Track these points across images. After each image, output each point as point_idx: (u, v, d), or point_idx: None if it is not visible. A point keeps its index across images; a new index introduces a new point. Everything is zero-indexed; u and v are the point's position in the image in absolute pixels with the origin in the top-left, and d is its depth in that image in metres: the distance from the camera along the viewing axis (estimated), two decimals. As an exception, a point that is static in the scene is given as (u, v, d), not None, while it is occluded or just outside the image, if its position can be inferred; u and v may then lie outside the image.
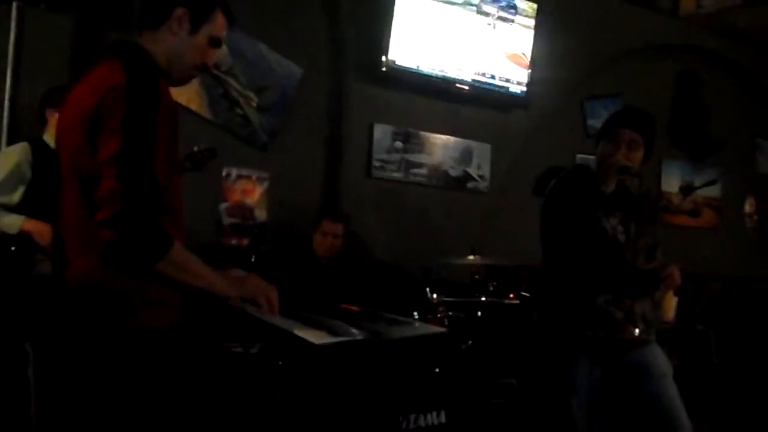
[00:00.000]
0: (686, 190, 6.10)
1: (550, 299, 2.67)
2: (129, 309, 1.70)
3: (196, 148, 3.05)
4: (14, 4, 3.58)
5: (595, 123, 5.56)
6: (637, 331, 2.54)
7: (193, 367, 1.93)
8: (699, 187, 5.96)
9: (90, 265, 1.70)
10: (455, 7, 4.83)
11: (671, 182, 6.33)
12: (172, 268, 1.66)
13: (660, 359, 2.60)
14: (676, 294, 2.67)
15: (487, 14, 4.97)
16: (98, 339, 1.71)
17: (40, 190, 3.05)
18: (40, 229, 2.96)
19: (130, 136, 1.62)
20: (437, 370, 3.13)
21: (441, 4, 4.76)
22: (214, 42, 1.93)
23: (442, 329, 1.95)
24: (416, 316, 3.61)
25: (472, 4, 4.89)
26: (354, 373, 2.11)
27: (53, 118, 3.19)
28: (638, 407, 2.55)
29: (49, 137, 3.16)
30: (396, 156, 4.88)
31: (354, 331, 1.75)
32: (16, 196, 3.05)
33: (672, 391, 2.54)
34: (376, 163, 4.81)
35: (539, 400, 2.74)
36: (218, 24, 1.93)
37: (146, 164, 1.62)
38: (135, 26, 1.90)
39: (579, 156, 5.65)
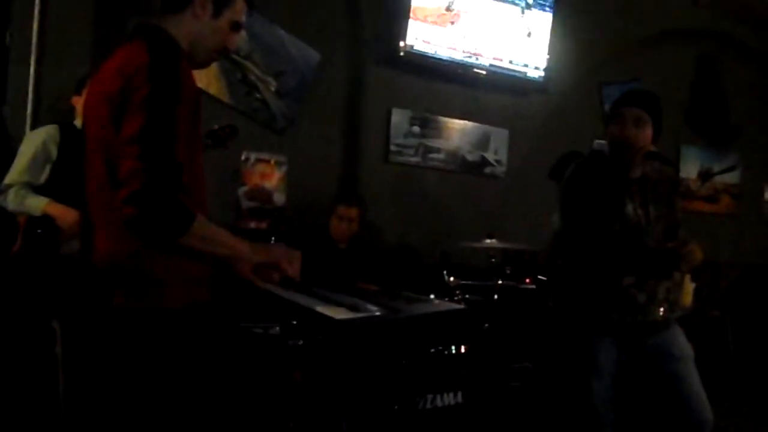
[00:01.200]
0: (705, 176, 6.07)
1: (571, 283, 2.66)
2: (155, 286, 1.74)
3: (216, 126, 3.09)
4: (37, -10, 3.64)
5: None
6: (661, 310, 2.55)
7: (216, 346, 1.97)
8: (718, 173, 5.94)
9: (116, 243, 1.74)
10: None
11: (690, 168, 6.30)
12: (197, 240, 1.69)
13: (681, 342, 2.61)
14: (693, 280, 2.68)
15: (505, -1, 4.96)
16: (124, 316, 1.75)
17: (65, 171, 3.10)
18: (62, 213, 3.01)
19: (152, 115, 1.65)
20: (453, 350, 3.17)
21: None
22: (236, 26, 1.97)
23: (461, 306, 1.97)
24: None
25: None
26: (372, 351, 2.15)
27: (78, 105, 3.25)
28: (658, 389, 2.56)
29: (78, 123, 3.21)
30: (413, 141, 4.90)
31: (374, 307, 1.78)
32: (43, 176, 3.12)
33: (693, 374, 2.55)
34: (394, 148, 4.83)
35: (559, 383, 2.74)
36: (239, 8, 1.97)
37: (167, 143, 1.66)
38: (158, 10, 1.94)
39: (597, 141, 5.63)
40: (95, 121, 1.79)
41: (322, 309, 1.70)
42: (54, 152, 3.14)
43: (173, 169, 1.65)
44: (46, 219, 3.03)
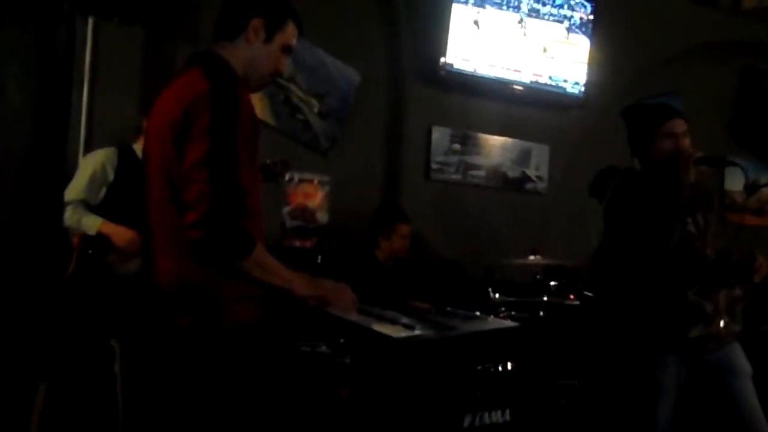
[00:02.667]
0: (751, 188, 5.95)
1: (629, 301, 2.61)
2: (215, 306, 1.79)
3: (268, 161, 3.14)
4: (90, 19, 3.77)
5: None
6: (722, 323, 2.51)
7: (269, 364, 2.00)
8: (764, 185, 5.82)
9: (178, 264, 1.79)
10: (511, 9, 4.85)
11: (735, 181, 6.20)
12: (255, 267, 1.74)
13: (743, 357, 2.57)
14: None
15: (543, 15, 4.97)
16: (185, 335, 1.79)
17: (121, 193, 3.20)
18: (118, 232, 3.11)
19: (216, 141, 1.71)
20: (500, 367, 3.17)
21: (496, 6, 4.79)
22: (287, 49, 2.02)
23: (516, 324, 1.98)
24: (479, 316, 3.64)
25: (527, 7, 4.90)
26: (426, 368, 2.17)
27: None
28: (719, 405, 2.52)
29: (138, 146, 3.31)
30: (454, 158, 4.93)
31: (430, 325, 1.80)
32: (99, 196, 3.23)
33: (752, 391, 2.51)
34: (435, 166, 4.86)
35: (616, 403, 2.68)
36: (290, 32, 2.03)
37: (232, 168, 1.71)
38: (213, 37, 2.00)
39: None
40: (157, 146, 1.85)
41: (378, 327, 1.73)
42: (111, 174, 3.24)
43: (238, 195, 1.70)
44: (99, 239, 3.12)
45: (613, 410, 2.73)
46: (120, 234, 3.10)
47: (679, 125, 2.58)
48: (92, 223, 3.13)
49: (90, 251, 3.12)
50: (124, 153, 3.32)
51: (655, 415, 2.48)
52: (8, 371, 1.58)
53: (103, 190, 3.24)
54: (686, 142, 2.56)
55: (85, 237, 3.14)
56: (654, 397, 2.49)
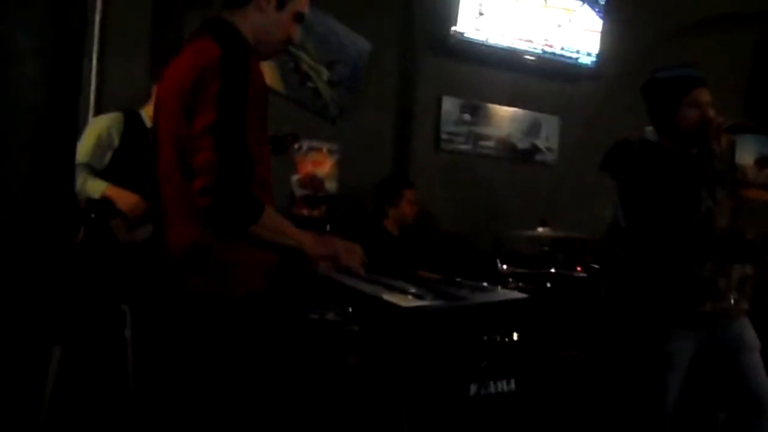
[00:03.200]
0: (763, 163, 5.90)
1: (643, 275, 2.60)
2: (225, 272, 1.81)
3: (278, 133, 3.12)
4: (100, -16, 3.75)
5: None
6: (732, 299, 2.52)
7: (278, 331, 2.03)
8: (776, 161, 5.77)
9: (189, 230, 1.81)
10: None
11: (746, 155, 6.14)
12: (265, 230, 1.76)
13: (752, 332, 2.58)
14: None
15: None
16: (196, 300, 1.82)
17: (126, 158, 3.20)
18: (122, 196, 3.09)
19: (224, 109, 1.71)
20: (507, 338, 3.19)
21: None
22: (299, 17, 2.01)
23: (525, 295, 1.99)
24: (486, 287, 3.66)
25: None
26: (434, 338, 2.18)
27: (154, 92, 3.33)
28: (728, 378, 2.54)
29: (145, 112, 3.30)
30: (464, 128, 4.90)
31: (439, 295, 1.82)
32: (104, 161, 3.21)
33: (761, 366, 2.53)
34: (445, 136, 4.85)
35: (626, 376, 2.69)
36: (302, 0, 2.00)
37: (239, 136, 1.72)
38: (222, 4, 1.99)
39: (648, 128, 5.54)
40: (167, 113, 1.85)
41: (388, 297, 1.74)
42: (117, 140, 3.23)
43: (246, 161, 1.71)
44: (103, 202, 3.11)
45: (623, 381, 2.74)
46: (124, 198, 3.08)
47: (705, 94, 2.55)
48: (97, 187, 3.11)
49: (93, 215, 3.10)
50: (131, 118, 3.30)
51: (665, 387, 2.51)
52: (24, 334, 1.61)
53: (109, 155, 3.22)
54: (711, 111, 2.53)
55: (89, 201, 3.13)
56: (665, 369, 2.51)
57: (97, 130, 3.23)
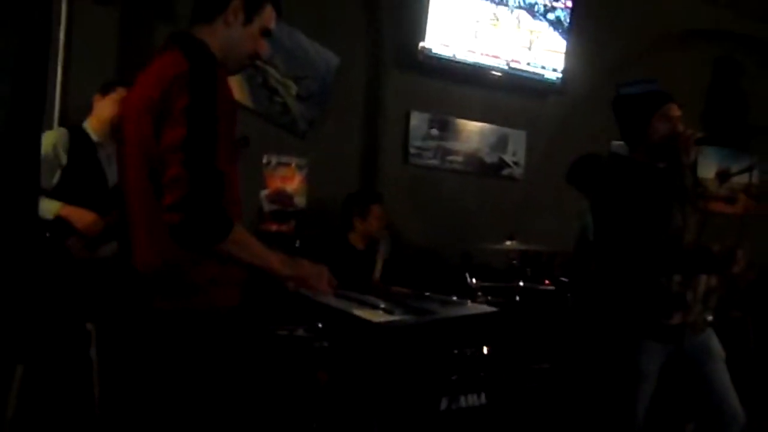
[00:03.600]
0: (722, 176, 6.04)
1: (613, 287, 2.63)
2: (194, 289, 1.78)
3: None
4: (64, -1, 3.71)
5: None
6: (698, 311, 2.56)
7: (248, 348, 2.01)
8: (735, 174, 5.91)
9: (156, 246, 1.78)
10: (491, -6, 4.85)
11: (707, 169, 6.28)
12: (234, 247, 1.74)
13: (716, 342, 2.63)
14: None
15: (522, 1, 4.97)
16: (162, 318, 1.79)
17: (75, 175, 3.10)
18: (78, 214, 2.99)
19: (193, 123, 1.69)
20: (476, 351, 3.19)
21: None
22: (266, 32, 2.01)
23: (494, 308, 2.00)
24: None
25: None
26: (404, 352, 2.18)
27: (98, 104, 3.26)
28: (694, 387, 2.58)
29: (89, 125, 3.23)
30: (432, 143, 4.94)
31: (410, 310, 1.82)
32: (53, 180, 3.08)
33: (726, 375, 2.58)
34: (413, 150, 4.87)
35: (598, 387, 2.71)
36: (268, 15, 2.01)
37: (209, 151, 1.70)
38: (190, 18, 1.98)
39: (614, 143, 5.63)
40: (136, 133, 1.83)
41: (359, 312, 1.74)
42: (64, 157, 3.11)
43: (216, 177, 1.69)
44: (58, 222, 3.00)
45: (592, 394, 2.76)
46: (81, 216, 2.98)
47: (675, 110, 2.61)
48: (50, 207, 2.99)
49: (48, 234, 3.01)
50: (75, 133, 3.20)
51: (635, 400, 2.53)
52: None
53: (57, 174, 3.09)
54: (681, 125, 2.58)
55: (42, 221, 3.01)
56: (635, 382, 2.53)
57: (43, 148, 3.01)
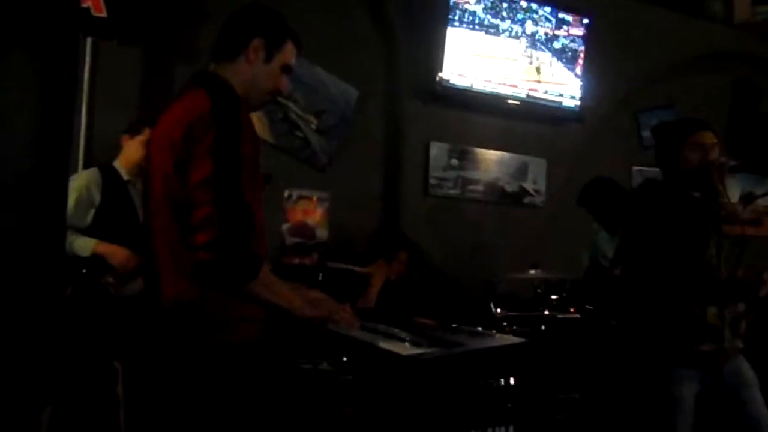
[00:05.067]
0: (747, 198, 5.95)
1: (646, 316, 2.60)
2: (219, 325, 1.79)
3: None
4: (89, 39, 3.78)
5: (650, 134, 5.52)
6: (727, 338, 2.52)
7: (273, 383, 2.00)
8: (760, 196, 5.83)
9: (183, 284, 1.79)
10: (506, 23, 4.88)
11: (730, 192, 6.21)
12: (261, 288, 1.75)
13: (749, 369, 2.59)
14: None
15: (538, 30, 5.00)
16: (190, 355, 1.79)
17: (109, 213, 3.17)
18: (113, 251, 3.07)
19: (220, 161, 1.72)
20: (503, 382, 3.15)
21: (492, 21, 4.81)
22: (286, 69, 2.05)
23: (522, 339, 1.99)
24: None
25: (522, 20, 4.93)
26: (432, 385, 2.16)
27: (127, 144, 3.34)
28: (731, 416, 2.53)
29: (119, 164, 3.29)
30: (452, 173, 4.94)
31: (436, 342, 1.81)
32: (87, 220, 3.16)
33: (762, 401, 2.54)
34: (433, 181, 4.88)
35: (632, 418, 2.65)
36: (289, 52, 2.05)
37: (237, 188, 1.72)
38: (212, 56, 2.01)
39: (635, 168, 5.62)
40: (158, 167, 1.85)
41: (385, 345, 1.73)
42: (97, 197, 3.19)
43: (246, 215, 1.71)
44: (93, 259, 3.08)
45: (626, 424, 2.70)
46: (116, 253, 3.06)
47: (708, 137, 2.58)
48: (85, 245, 3.07)
49: (84, 270, 3.07)
50: (107, 172, 3.28)
51: (674, 428, 2.48)
52: (14, 395, 1.58)
53: (91, 213, 3.17)
54: (715, 153, 2.55)
55: (78, 258, 3.08)
56: (671, 411, 2.49)
57: (77, 188, 3.16)
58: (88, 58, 3.81)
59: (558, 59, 5.10)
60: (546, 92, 5.08)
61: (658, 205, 2.58)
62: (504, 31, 4.87)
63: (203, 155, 1.71)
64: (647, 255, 2.56)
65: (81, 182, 3.21)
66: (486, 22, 4.79)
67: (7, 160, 1.66)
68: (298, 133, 4.51)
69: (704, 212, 2.51)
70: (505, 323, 3.72)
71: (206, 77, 1.95)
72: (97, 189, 3.21)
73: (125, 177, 3.28)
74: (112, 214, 3.18)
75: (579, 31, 5.14)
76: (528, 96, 5.01)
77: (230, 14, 2.02)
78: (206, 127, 1.74)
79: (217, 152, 1.71)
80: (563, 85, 5.13)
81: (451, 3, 4.63)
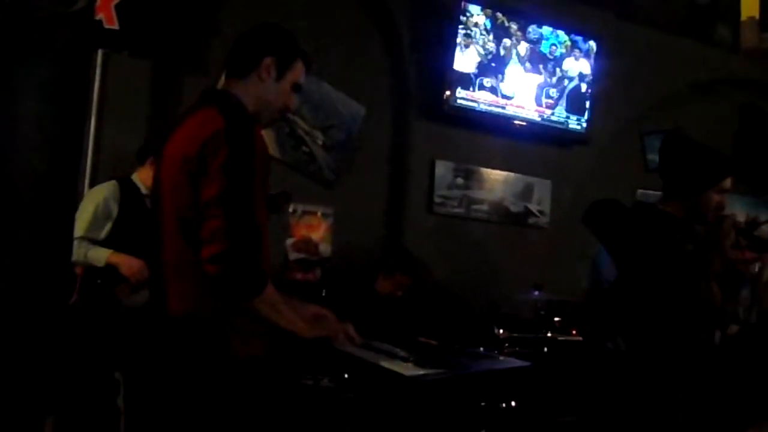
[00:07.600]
0: (751, 225, 5.94)
1: (652, 343, 2.58)
2: (223, 339, 1.79)
3: (271, 192, 3.13)
4: (99, 51, 3.81)
5: (656, 158, 5.52)
6: None
7: (276, 398, 2.00)
8: (764, 222, 5.83)
9: (189, 297, 1.80)
10: (514, 44, 4.90)
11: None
12: (265, 305, 1.76)
13: None
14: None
15: (545, 51, 5.03)
16: (193, 367, 1.80)
17: (126, 226, 3.19)
18: (126, 262, 3.09)
19: (232, 179, 1.74)
20: (504, 404, 3.14)
21: (500, 41, 4.85)
22: (296, 87, 2.07)
23: (526, 363, 1.98)
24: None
25: (531, 42, 4.96)
26: (429, 406, 2.15)
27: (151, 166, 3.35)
28: None
29: (138, 177, 3.31)
30: (457, 192, 4.95)
31: (440, 363, 1.80)
32: (104, 232, 3.19)
33: None
34: (438, 200, 4.88)
35: None
36: (299, 71, 2.07)
37: (248, 206, 1.74)
38: (224, 74, 2.03)
39: (639, 191, 5.62)
40: (172, 187, 1.86)
41: (388, 365, 1.73)
42: (115, 209, 3.21)
43: (255, 231, 1.72)
44: (107, 270, 3.11)
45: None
46: (128, 263, 3.07)
47: (729, 182, 2.60)
48: (100, 255, 3.11)
49: (99, 281, 3.09)
50: (126, 185, 3.30)
51: None
52: (17, 404, 1.58)
53: (108, 226, 3.20)
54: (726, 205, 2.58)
55: (91, 268, 3.12)
56: None
57: (94, 201, 3.21)
58: (98, 70, 3.83)
59: (566, 81, 5.12)
60: (553, 114, 5.10)
61: (655, 232, 2.58)
62: (512, 52, 4.90)
63: (216, 172, 1.73)
64: (642, 284, 2.56)
65: (100, 195, 3.25)
66: (494, 43, 4.82)
67: (22, 168, 1.68)
68: (305, 149, 4.53)
69: (702, 264, 2.50)
70: (507, 344, 3.71)
71: (218, 95, 1.97)
72: (114, 202, 3.23)
73: (143, 190, 3.30)
74: (129, 227, 3.20)
75: (587, 54, 5.17)
76: (534, 117, 5.03)
77: (242, 32, 2.04)
78: (220, 145, 1.76)
79: (230, 170, 1.73)
80: (570, 107, 5.15)
81: (459, 23, 4.66)
